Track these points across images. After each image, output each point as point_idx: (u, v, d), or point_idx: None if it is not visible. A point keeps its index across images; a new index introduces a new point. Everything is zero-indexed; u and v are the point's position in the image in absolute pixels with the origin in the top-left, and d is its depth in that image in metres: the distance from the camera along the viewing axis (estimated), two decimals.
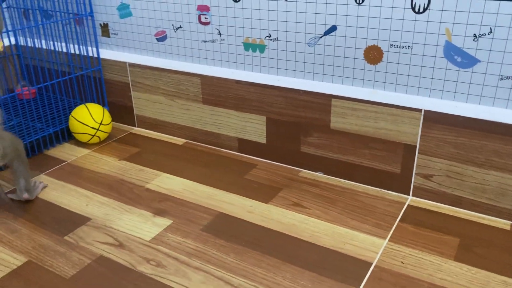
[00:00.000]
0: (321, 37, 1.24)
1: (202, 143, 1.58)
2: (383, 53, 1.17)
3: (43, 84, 1.53)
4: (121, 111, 1.74)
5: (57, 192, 1.31)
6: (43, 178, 1.39)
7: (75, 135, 1.59)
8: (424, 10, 1.08)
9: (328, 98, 1.27)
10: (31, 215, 1.21)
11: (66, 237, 1.11)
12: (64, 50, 1.73)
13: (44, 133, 1.55)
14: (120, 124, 1.76)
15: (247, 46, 1.37)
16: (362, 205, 1.22)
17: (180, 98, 1.56)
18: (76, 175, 1.40)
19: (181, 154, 1.52)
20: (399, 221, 1.15)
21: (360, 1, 1.15)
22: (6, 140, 1.19)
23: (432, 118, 1.15)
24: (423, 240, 1.08)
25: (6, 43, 1.85)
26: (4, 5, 1.82)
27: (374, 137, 1.25)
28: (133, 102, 1.69)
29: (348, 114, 1.26)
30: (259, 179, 1.35)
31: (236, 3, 1.33)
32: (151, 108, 1.65)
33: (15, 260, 1.04)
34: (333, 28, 1.21)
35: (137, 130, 1.72)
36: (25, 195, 1.24)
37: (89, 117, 1.55)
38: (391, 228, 1.12)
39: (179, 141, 1.61)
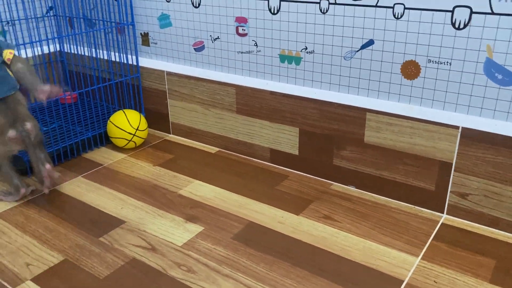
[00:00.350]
0: (357, 51, 1.24)
1: (235, 152, 1.60)
2: (420, 69, 1.16)
3: (84, 89, 1.59)
4: (157, 118, 1.78)
5: (94, 194, 1.35)
6: (81, 180, 1.43)
7: (112, 139, 1.64)
8: (465, 26, 1.07)
9: (363, 112, 1.27)
10: (68, 215, 1.25)
11: (101, 238, 1.15)
12: (105, 57, 1.79)
13: (83, 137, 1.60)
14: (156, 131, 1.80)
15: (283, 58, 1.38)
16: (395, 221, 1.20)
17: (214, 107, 1.59)
18: (112, 179, 1.44)
19: (214, 162, 1.54)
20: (433, 239, 1.13)
21: (399, 16, 1.15)
22: (35, 120, 1.25)
23: (470, 136, 1.13)
24: (458, 260, 1.05)
25: (52, 49, 1.94)
26: (51, 13, 1.91)
27: (408, 152, 1.23)
28: (169, 109, 1.73)
29: (383, 129, 1.25)
30: (290, 190, 1.35)
31: (273, 16, 1.35)
32: (186, 116, 1.69)
33: (53, 258, 1.08)
34: (370, 42, 1.21)
35: (171, 137, 1.75)
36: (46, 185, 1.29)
37: (126, 123, 1.60)
38: (424, 246, 1.10)
39: (212, 149, 1.64)
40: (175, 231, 1.17)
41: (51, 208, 1.28)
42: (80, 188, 1.38)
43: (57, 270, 1.04)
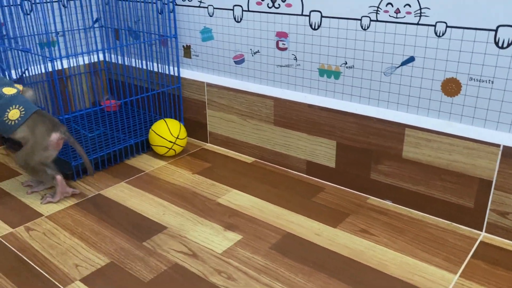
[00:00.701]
0: (398, 67, 1.25)
1: (271, 163, 1.63)
2: (461, 86, 1.17)
3: (128, 98, 1.66)
4: (195, 127, 1.83)
5: (136, 200, 1.41)
6: (124, 186, 1.50)
7: (153, 147, 1.70)
8: (509, 45, 1.07)
9: (402, 127, 1.28)
10: (112, 219, 1.31)
11: (144, 243, 1.20)
12: (148, 68, 1.86)
13: (126, 144, 1.67)
14: (194, 139, 1.86)
15: (322, 72, 1.41)
16: (432, 237, 1.20)
17: (252, 118, 1.63)
18: (154, 185, 1.50)
19: (250, 172, 1.58)
20: (471, 257, 1.13)
21: (441, 34, 1.16)
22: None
23: (511, 154, 1.13)
24: (497, 279, 1.05)
25: (97, 59, 2.03)
26: (96, 24, 2.00)
27: (447, 169, 1.24)
28: (207, 119, 1.78)
29: (421, 145, 1.26)
30: (326, 203, 1.37)
31: (314, 31, 1.39)
32: (224, 126, 1.73)
33: (100, 260, 1.14)
34: (411, 59, 1.23)
35: (209, 146, 1.80)
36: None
37: (167, 132, 1.66)
38: (462, 263, 1.10)
39: (249, 159, 1.68)
40: (215, 238, 1.21)
41: (96, 212, 1.35)
42: (123, 193, 1.44)
43: (104, 272, 1.09)
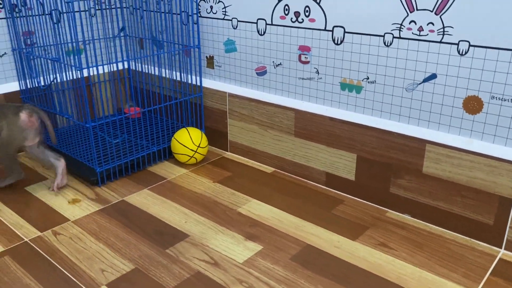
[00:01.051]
0: (420, 83, 1.27)
1: (290, 173, 1.66)
2: (483, 104, 1.18)
3: (152, 107, 1.70)
4: (216, 135, 1.87)
5: (159, 207, 1.44)
6: (147, 193, 1.54)
7: (175, 155, 1.74)
8: None
9: (423, 143, 1.30)
10: (136, 225, 1.35)
11: (167, 250, 1.23)
12: (170, 76, 1.91)
13: (149, 151, 1.71)
14: (214, 148, 1.89)
15: (343, 86, 1.44)
16: (451, 253, 1.21)
17: (273, 129, 1.66)
18: (176, 193, 1.53)
19: (270, 182, 1.60)
20: (490, 274, 1.13)
21: (464, 53, 1.17)
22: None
23: None
24: None
25: (121, 67, 2.08)
26: (121, 33, 2.05)
27: (467, 186, 1.25)
28: (228, 128, 1.81)
29: (442, 161, 1.27)
30: (346, 215, 1.39)
31: (337, 46, 1.41)
32: (244, 136, 1.77)
33: (124, 266, 1.17)
34: (433, 76, 1.24)
35: (229, 154, 1.83)
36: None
37: (189, 140, 1.70)
38: (481, 280, 1.11)
39: (268, 169, 1.70)
40: (236, 248, 1.24)
41: (120, 218, 1.38)
42: (146, 200, 1.48)
43: (129, 277, 1.13)
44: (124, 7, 1.99)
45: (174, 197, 1.50)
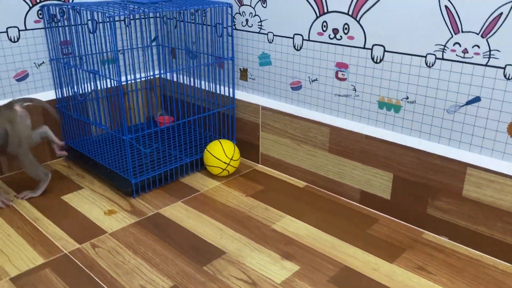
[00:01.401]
0: (462, 106, 1.25)
1: (323, 188, 1.65)
2: None
3: (186, 119, 1.71)
4: (246, 147, 1.87)
5: (194, 221, 1.45)
6: (181, 206, 1.55)
7: (208, 167, 1.75)
8: None
9: (463, 166, 1.28)
10: (172, 240, 1.36)
11: (205, 267, 1.24)
12: (203, 87, 1.91)
13: (182, 162, 1.73)
14: (245, 159, 1.90)
15: (381, 104, 1.42)
16: (492, 280, 1.19)
17: (306, 144, 1.66)
18: (209, 206, 1.54)
19: (303, 197, 1.60)
20: None
21: (510, 77, 1.15)
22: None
23: None
24: None
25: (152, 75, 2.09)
26: (153, 43, 2.07)
27: (510, 211, 1.22)
28: (260, 141, 1.82)
29: (483, 185, 1.25)
30: (381, 235, 1.38)
31: (376, 64, 1.40)
32: (277, 149, 1.77)
33: (164, 283, 1.18)
34: (477, 99, 1.22)
35: (260, 167, 1.84)
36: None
37: (222, 153, 1.70)
38: None
39: (300, 183, 1.70)
40: (273, 267, 1.24)
41: (157, 231, 1.40)
42: (181, 214, 1.49)
43: None
44: (158, 17, 2.01)
45: (208, 211, 1.51)
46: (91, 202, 1.57)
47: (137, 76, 2.05)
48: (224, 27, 1.76)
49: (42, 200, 1.57)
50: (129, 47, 1.97)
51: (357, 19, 1.40)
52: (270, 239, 1.36)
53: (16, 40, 1.69)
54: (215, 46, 1.81)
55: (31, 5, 1.70)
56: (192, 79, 1.95)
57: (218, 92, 1.87)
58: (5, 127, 1.47)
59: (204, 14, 1.82)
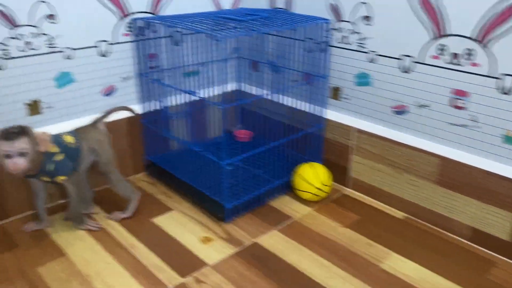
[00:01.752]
0: None
1: (426, 222, 1.54)
2: None
3: (273, 143, 1.61)
4: (333, 169, 1.77)
5: (296, 255, 1.37)
6: (278, 236, 1.47)
7: (298, 192, 1.66)
8: None
9: None
10: (278, 277, 1.28)
11: None
12: (290, 104, 1.81)
13: (272, 185, 1.65)
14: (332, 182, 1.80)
15: (508, 139, 1.30)
16: None
17: (409, 173, 1.55)
18: (307, 237, 1.46)
19: (405, 231, 1.50)
20: None
21: None
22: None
23: None
24: None
25: (230, 88, 2.02)
26: (235, 55, 1.99)
27: None
28: (351, 164, 1.72)
29: None
30: (503, 283, 1.27)
31: (503, 95, 1.28)
32: (371, 175, 1.66)
33: None
34: None
35: (349, 191, 1.74)
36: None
37: (314, 178, 1.61)
38: None
39: (398, 214, 1.60)
40: None
41: (259, 266, 1.32)
42: (280, 246, 1.42)
43: None
44: (241, 28, 1.92)
45: (307, 243, 1.43)
46: (183, 226, 1.51)
47: (216, 88, 1.97)
48: (317, 43, 1.66)
49: (133, 223, 1.52)
50: (210, 60, 1.90)
51: (484, 45, 1.28)
52: (383, 283, 1.27)
53: (106, 54, 1.64)
54: (306, 62, 1.72)
55: (120, 18, 1.64)
56: (278, 95, 1.85)
57: (304, 109, 1.77)
58: (94, 147, 1.43)
59: (294, 27, 1.72)
